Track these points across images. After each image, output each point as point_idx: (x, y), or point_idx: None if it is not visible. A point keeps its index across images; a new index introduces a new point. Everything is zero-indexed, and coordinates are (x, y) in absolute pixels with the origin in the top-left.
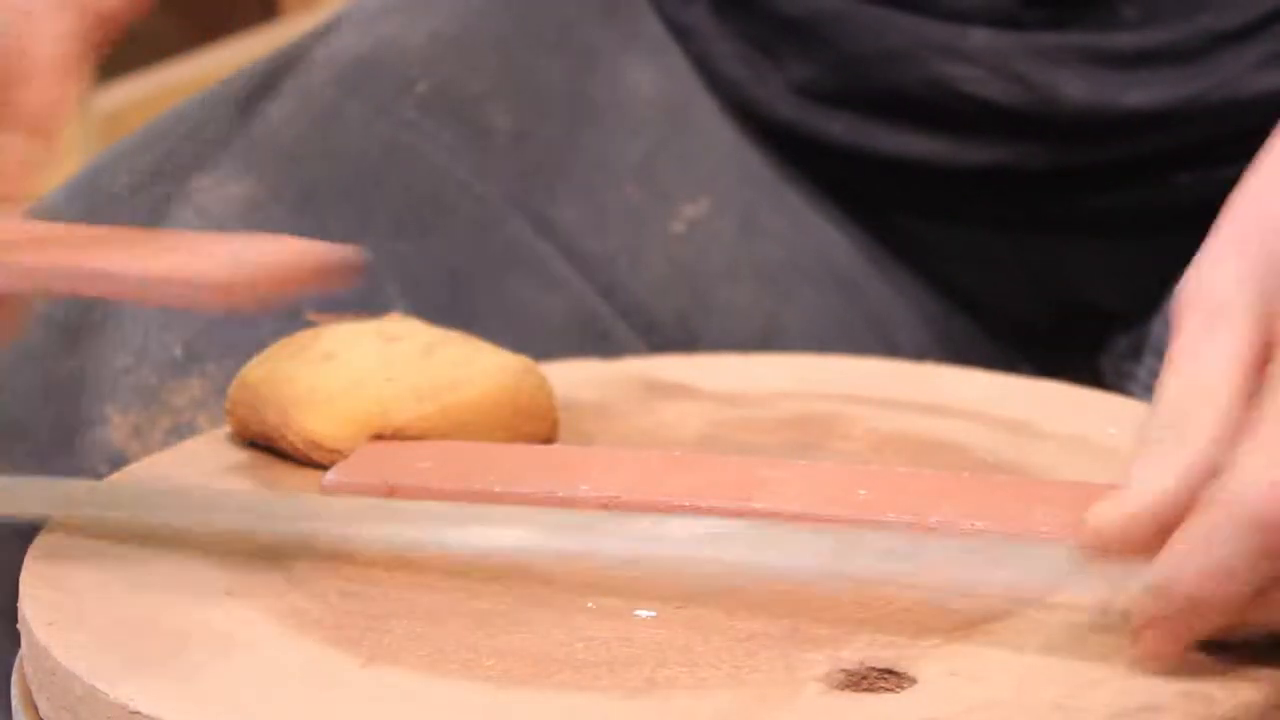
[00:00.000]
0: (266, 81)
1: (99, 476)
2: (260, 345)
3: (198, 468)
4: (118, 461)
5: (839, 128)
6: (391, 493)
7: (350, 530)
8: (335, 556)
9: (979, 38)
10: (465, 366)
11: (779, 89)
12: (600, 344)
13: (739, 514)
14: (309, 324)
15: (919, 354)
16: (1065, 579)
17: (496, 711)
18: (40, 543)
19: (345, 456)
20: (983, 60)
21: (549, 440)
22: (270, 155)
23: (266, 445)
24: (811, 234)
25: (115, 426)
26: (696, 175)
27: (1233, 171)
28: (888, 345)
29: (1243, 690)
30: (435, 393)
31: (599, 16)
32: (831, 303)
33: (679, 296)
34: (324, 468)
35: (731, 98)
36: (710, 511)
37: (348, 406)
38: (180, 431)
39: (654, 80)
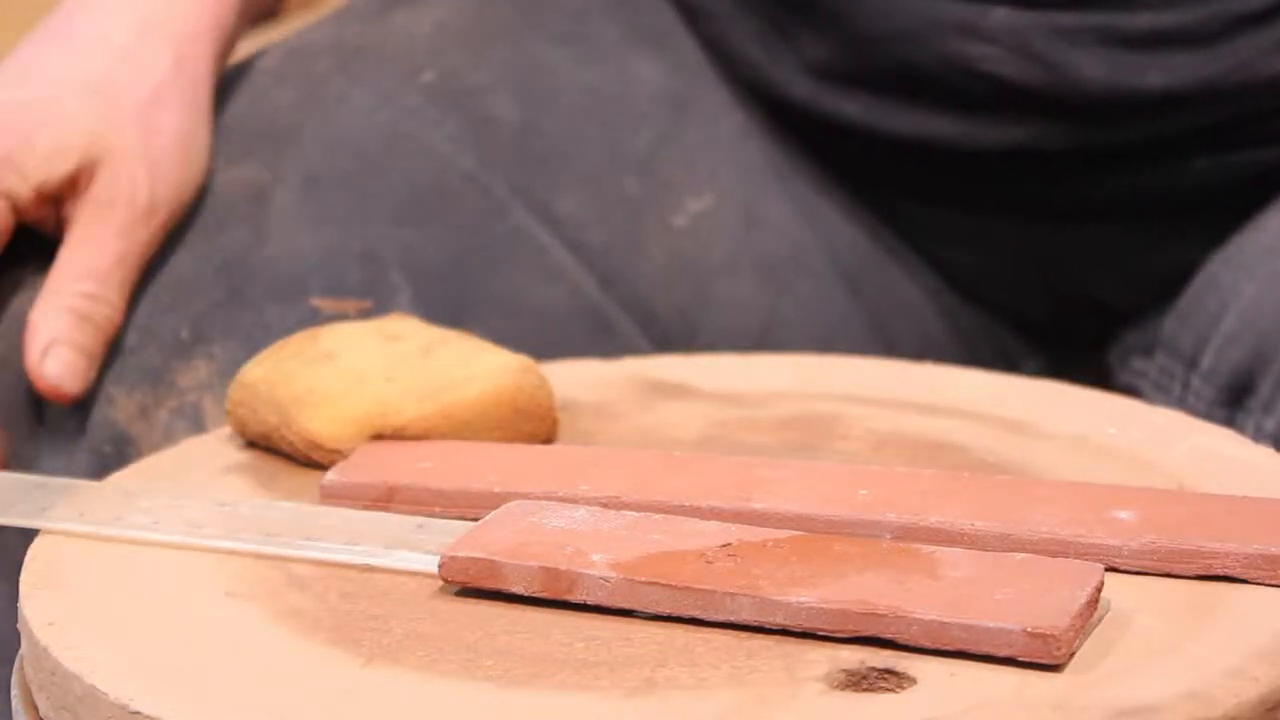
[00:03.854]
0: (272, 68)
1: (103, 456)
2: (265, 327)
3: (198, 468)
4: (121, 441)
5: (854, 108)
6: (391, 493)
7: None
8: None
9: (998, 16)
10: (465, 366)
11: (794, 69)
12: (600, 335)
13: (739, 514)
14: (313, 307)
15: (919, 348)
16: None
17: (496, 711)
18: (40, 543)
19: (345, 456)
20: (1001, 39)
21: (549, 440)
22: (274, 140)
23: (266, 445)
24: (815, 227)
25: (120, 407)
26: (699, 169)
27: (1248, 157)
28: (887, 339)
29: (1243, 690)
30: (435, 393)
31: (606, 9)
32: (832, 297)
33: (679, 289)
34: (324, 468)
35: (746, 79)
36: (710, 512)
37: (348, 406)
38: (185, 413)
39: (659, 73)
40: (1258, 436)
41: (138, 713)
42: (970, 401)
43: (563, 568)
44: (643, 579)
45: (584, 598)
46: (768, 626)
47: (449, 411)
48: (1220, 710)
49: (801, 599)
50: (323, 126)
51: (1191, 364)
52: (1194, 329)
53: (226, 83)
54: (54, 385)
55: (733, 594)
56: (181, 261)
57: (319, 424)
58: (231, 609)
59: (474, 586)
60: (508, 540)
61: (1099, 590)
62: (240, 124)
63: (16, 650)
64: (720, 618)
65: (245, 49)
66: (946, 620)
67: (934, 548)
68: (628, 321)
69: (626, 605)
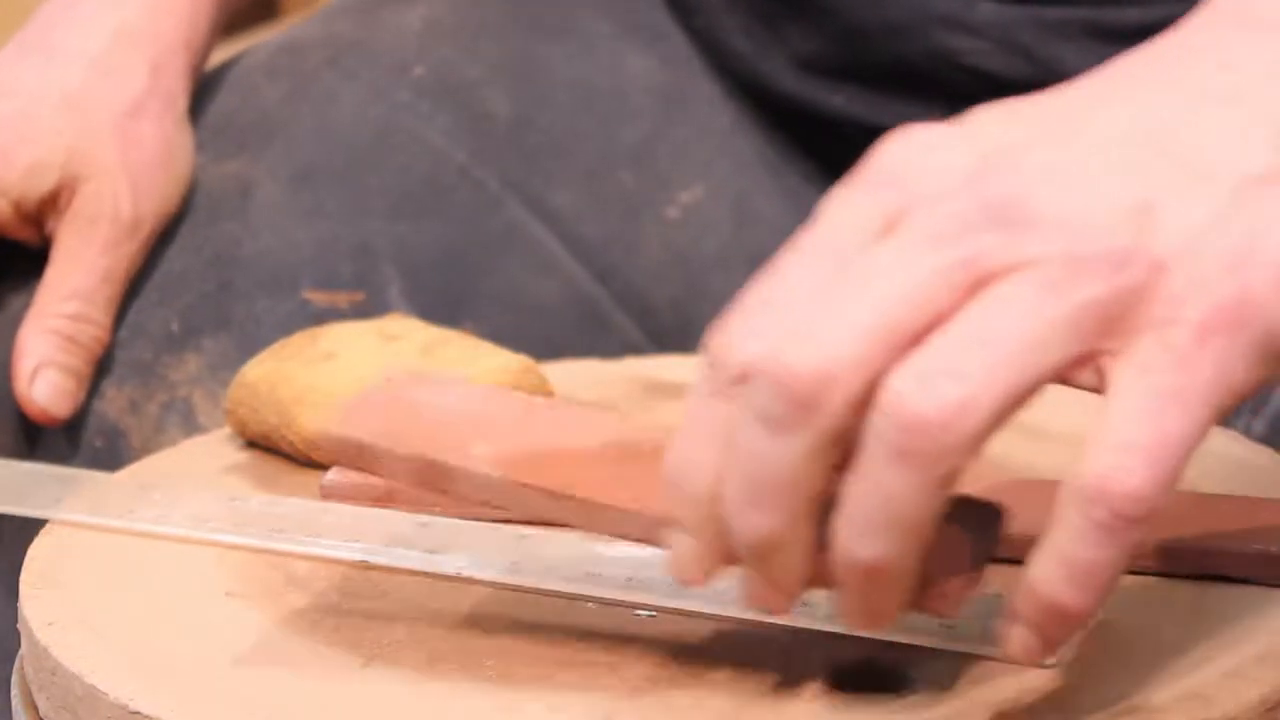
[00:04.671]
0: (263, 64)
1: (94, 450)
2: (256, 321)
3: (198, 468)
4: (112, 435)
5: (841, 101)
6: (392, 493)
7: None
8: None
9: (985, 10)
10: (465, 366)
11: (782, 62)
12: (595, 329)
13: None
14: (304, 301)
15: None
16: None
17: (497, 711)
18: (40, 543)
19: None
20: (988, 33)
21: None
22: (266, 135)
23: (266, 445)
24: (807, 220)
25: (110, 400)
26: (692, 162)
27: None
28: None
29: (1243, 690)
30: None
31: (596, 3)
32: None
33: (673, 282)
34: (324, 468)
35: (734, 73)
36: None
37: None
38: (175, 407)
39: (652, 67)
40: (1247, 438)
41: (137, 713)
42: None
43: (441, 459)
44: (527, 480)
45: (464, 494)
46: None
47: None
48: (1220, 710)
49: None
50: (314, 121)
51: None
52: None
53: (217, 79)
54: (43, 409)
55: (623, 510)
56: (172, 255)
57: (318, 424)
58: (231, 609)
59: (345, 467)
60: (385, 424)
61: None
62: (231, 119)
63: (16, 650)
64: (605, 531)
65: (238, 47)
66: None
67: None
68: (622, 315)
69: (503, 506)
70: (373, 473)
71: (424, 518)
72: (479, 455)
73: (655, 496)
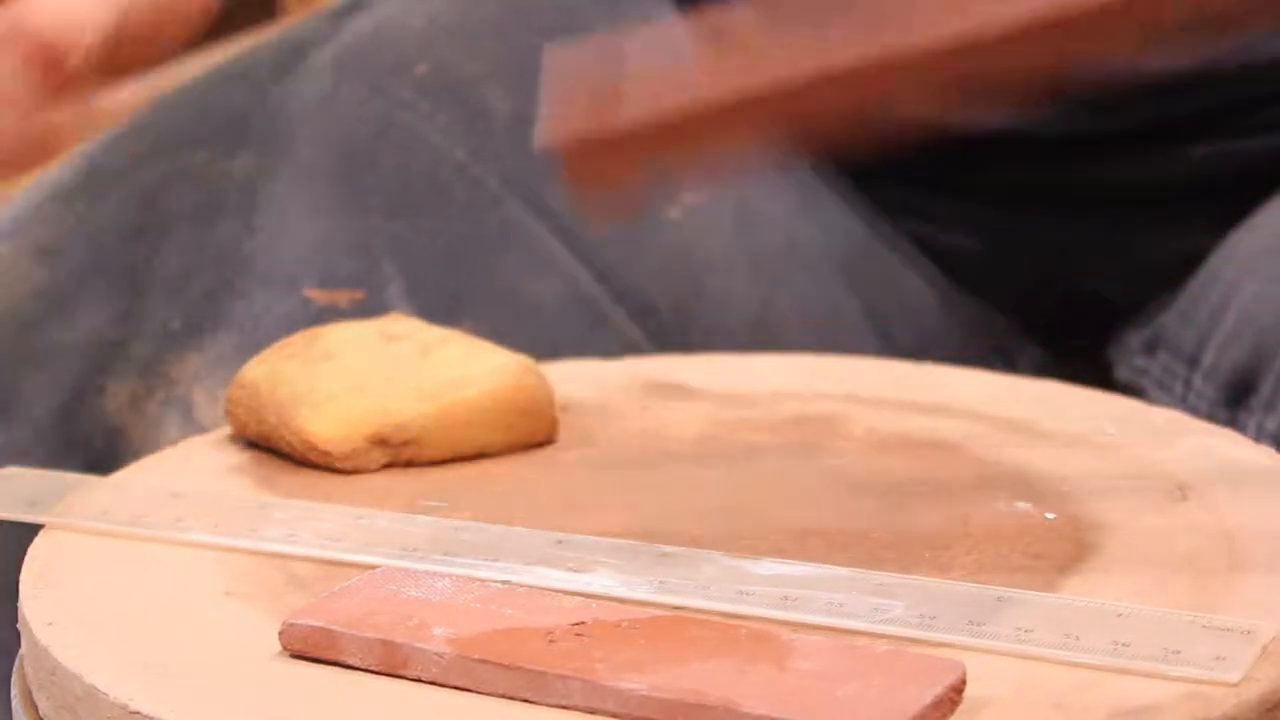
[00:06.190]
0: (264, 61)
1: (94, 448)
2: (256, 319)
3: (197, 468)
4: (112, 433)
5: None
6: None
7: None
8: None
9: None
10: (465, 366)
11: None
12: (596, 328)
13: None
14: (305, 299)
15: (917, 339)
16: None
17: (498, 711)
18: (40, 543)
19: (344, 457)
20: None
21: (548, 440)
22: (267, 133)
23: (266, 445)
24: (811, 218)
25: (111, 397)
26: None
27: (1248, 145)
28: (884, 331)
29: (1243, 690)
30: (435, 393)
31: (598, 1)
32: (828, 288)
33: (675, 282)
34: (323, 468)
35: None
36: None
37: (347, 406)
38: (176, 404)
39: None
40: (1259, 436)
41: (137, 713)
42: (970, 401)
43: (399, 641)
44: (477, 657)
45: (419, 674)
46: (599, 712)
47: (449, 411)
48: (1220, 710)
49: (632, 685)
50: (315, 119)
51: (1193, 363)
52: (1195, 327)
53: (219, 76)
54: None
55: (564, 677)
56: (173, 253)
57: (317, 424)
58: (231, 609)
59: (313, 656)
60: (354, 610)
61: (957, 688)
62: (232, 117)
63: (16, 650)
64: (551, 701)
65: (238, 47)
66: (776, 716)
67: (796, 635)
68: (623, 314)
69: (460, 684)
70: (336, 658)
71: (559, 535)
72: (437, 636)
73: (601, 666)
